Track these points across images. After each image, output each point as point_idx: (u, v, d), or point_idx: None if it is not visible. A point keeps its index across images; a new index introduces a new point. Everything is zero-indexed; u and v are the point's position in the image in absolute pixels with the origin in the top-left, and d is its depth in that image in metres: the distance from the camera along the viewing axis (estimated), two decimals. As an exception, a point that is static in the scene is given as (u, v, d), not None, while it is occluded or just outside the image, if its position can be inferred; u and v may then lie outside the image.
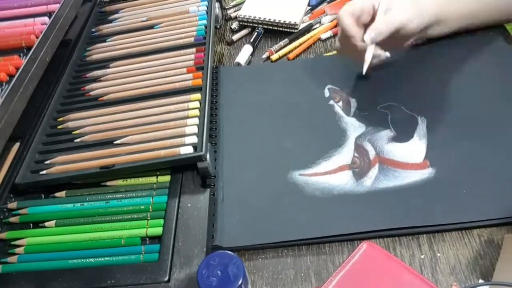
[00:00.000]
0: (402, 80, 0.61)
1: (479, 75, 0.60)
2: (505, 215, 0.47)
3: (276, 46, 0.73)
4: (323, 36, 0.73)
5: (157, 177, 0.53)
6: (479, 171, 0.50)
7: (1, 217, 0.51)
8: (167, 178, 0.53)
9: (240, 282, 0.39)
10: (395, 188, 0.51)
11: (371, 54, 0.55)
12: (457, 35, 0.65)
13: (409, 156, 0.53)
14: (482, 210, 0.47)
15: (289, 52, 0.72)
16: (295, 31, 0.75)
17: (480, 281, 0.43)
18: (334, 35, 0.74)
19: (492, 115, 0.56)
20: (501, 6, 0.62)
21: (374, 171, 0.53)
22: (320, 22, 0.77)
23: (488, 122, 0.55)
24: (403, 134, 0.56)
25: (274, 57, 0.72)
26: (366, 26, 0.55)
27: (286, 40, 0.73)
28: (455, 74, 0.61)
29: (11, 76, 0.51)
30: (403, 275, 0.44)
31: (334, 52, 0.70)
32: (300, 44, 0.73)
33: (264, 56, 0.72)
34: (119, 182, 0.53)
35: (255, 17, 0.76)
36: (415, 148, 0.54)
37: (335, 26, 0.75)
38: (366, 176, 0.52)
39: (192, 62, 0.65)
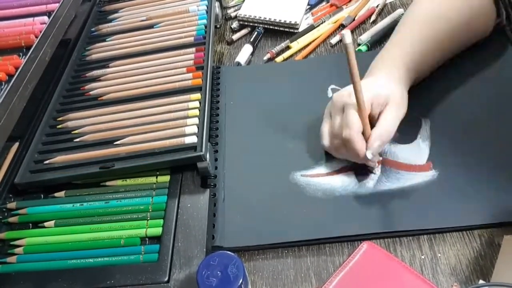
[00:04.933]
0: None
1: (483, 77, 0.60)
2: (508, 218, 0.46)
3: (277, 48, 0.72)
4: (333, 41, 0.72)
5: (156, 177, 0.53)
6: (482, 173, 0.50)
7: (0, 217, 0.51)
8: (166, 178, 0.53)
9: (240, 283, 0.39)
10: (397, 190, 0.50)
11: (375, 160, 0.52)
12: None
13: (412, 158, 0.53)
14: (485, 213, 0.47)
15: (292, 55, 0.72)
16: (296, 31, 0.75)
17: (481, 281, 0.43)
18: (340, 40, 0.72)
19: (495, 117, 0.55)
20: (469, 31, 0.60)
21: (376, 173, 0.52)
22: (324, 21, 0.76)
23: (491, 124, 0.55)
24: (406, 136, 0.55)
25: (278, 59, 0.71)
26: None
27: (287, 42, 0.73)
28: (459, 76, 0.61)
29: (10, 76, 0.51)
30: (404, 275, 0.44)
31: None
32: (306, 46, 0.73)
33: (265, 58, 0.71)
34: (119, 182, 0.53)
35: (255, 16, 0.76)
36: (418, 150, 0.54)
37: (338, 28, 0.75)
38: (368, 178, 0.52)
39: (192, 62, 0.64)
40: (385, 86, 0.51)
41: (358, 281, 0.44)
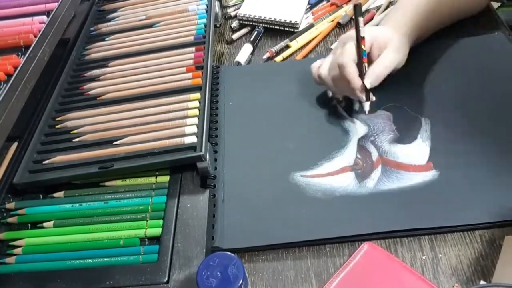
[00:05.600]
0: (405, 81, 0.61)
1: (484, 77, 0.60)
2: (508, 217, 0.46)
3: (276, 47, 0.72)
4: (334, 46, 0.70)
5: (156, 177, 0.53)
6: (482, 173, 0.50)
7: (-1, 217, 0.51)
8: (166, 178, 0.53)
9: (240, 283, 0.39)
10: (398, 190, 0.50)
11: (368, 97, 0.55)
12: (459, 36, 0.64)
13: (412, 158, 0.53)
14: (485, 212, 0.47)
15: (292, 54, 0.72)
16: (296, 30, 0.74)
17: (482, 282, 0.43)
18: None
19: (496, 117, 0.55)
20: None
21: (376, 173, 0.52)
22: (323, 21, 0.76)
23: (492, 124, 0.54)
24: (407, 136, 0.55)
25: (278, 58, 0.71)
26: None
27: (286, 41, 0.73)
28: (459, 76, 0.61)
29: (9, 76, 0.50)
30: (404, 276, 0.43)
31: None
32: (305, 45, 0.73)
33: (265, 57, 0.71)
34: (118, 182, 0.53)
35: (255, 16, 0.75)
36: (418, 150, 0.54)
37: (336, 26, 0.75)
38: (368, 178, 0.52)
39: (191, 61, 0.64)
40: (386, 32, 0.56)
41: (359, 281, 0.44)
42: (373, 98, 0.55)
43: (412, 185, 0.50)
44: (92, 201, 0.51)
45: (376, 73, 0.53)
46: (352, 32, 0.56)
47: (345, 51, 0.54)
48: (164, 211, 0.49)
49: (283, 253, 0.48)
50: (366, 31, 0.54)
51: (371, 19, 0.74)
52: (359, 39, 0.54)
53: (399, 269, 0.44)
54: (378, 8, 0.77)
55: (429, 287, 0.42)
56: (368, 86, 0.53)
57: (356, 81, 0.53)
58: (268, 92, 0.65)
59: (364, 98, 0.54)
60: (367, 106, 0.56)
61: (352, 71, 0.53)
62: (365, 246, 0.46)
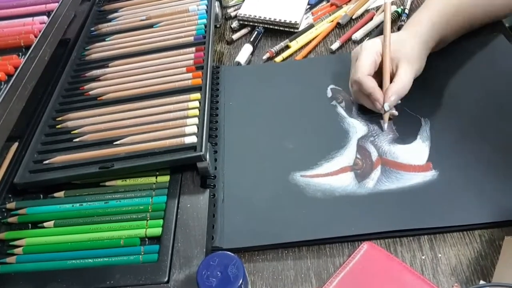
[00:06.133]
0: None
1: (483, 77, 0.60)
2: (507, 217, 0.46)
3: (276, 47, 0.72)
4: (334, 47, 0.71)
5: (156, 177, 0.53)
6: (482, 173, 0.50)
7: (0, 217, 0.51)
8: (166, 178, 0.53)
9: (240, 283, 0.39)
10: (397, 190, 0.50)
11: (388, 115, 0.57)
12: (460, 37, 0.64)
13: (412, 158, 0.53)
14: (484, 212, 0.47)
15: (292, 55, 0.72)
16: (296, 30, 0.74)
17: (481, 282, 0.43)
18: (342, 45, 0.72)
19: (495, 117, 0.55)
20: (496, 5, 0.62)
21: (376, 173, 0.52)
22: (323, 21, 0.76)
23: (491, 124, 0.55)
24: (406, 136, 0.55)
25: (278, 59, 0.71)
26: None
27: (286, 41, 0.73)
28: (459, 76, 0.61)
29: (9, 76, 0.51)
30: (404, 276, 0.43)
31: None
32: (305, 45, 0.73)
33: (265, 57, 0.71)
34: (118, 182, 0.53)
35: (255, 16, 0.76)
36: (418, 150, 0.54)
37: (335, 26, 0.75)
38: (368, 178, 0.52)
39: (191, 62, 0.64)
40: (402, 42, 0.56)
41: (359, 281, 0.44)
42: (395, 112, 0.56)
43: (412, 185, 0.50)
44: (93, 201, 0.51)
45: (397, 94, 0.54)
46: (363, 44, 0.57)
47: (358, 68, 0.55)
48: (164, 211, 0.49)
49: (283, 253, 0.49)
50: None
51: (370, 19, 0.75)
52: (386, 60, 0.55)
53: (399, 269, 0.44)
54: (377, 8, 0.77)
55: (429, 286, 0.42)
56: (387, 108, 0.54)
57: (376, 95, 0.54)
58: (268, 92, 0.65)
59: (385, 109, 0.55)
60: (386, 121, 0.56)
61: (369, 86, 0.54)
62: (365, 246, 0.46)
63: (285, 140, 0.58)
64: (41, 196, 0.53)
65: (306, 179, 0.53)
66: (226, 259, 0.40)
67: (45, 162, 0.54)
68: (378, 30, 0.72)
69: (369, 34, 0.72)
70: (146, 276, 0.44)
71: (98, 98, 0.62)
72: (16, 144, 0.57)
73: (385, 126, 0.56)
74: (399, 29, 0.71)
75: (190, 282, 0.43)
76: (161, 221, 0.48)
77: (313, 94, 0.63)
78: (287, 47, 0.73)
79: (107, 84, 0.64)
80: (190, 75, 0.62)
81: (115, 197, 0.51)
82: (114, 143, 0.55)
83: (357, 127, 0.58)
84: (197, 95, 0.59)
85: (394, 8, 0.75)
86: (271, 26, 0.76)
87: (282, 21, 0.74)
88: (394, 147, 0.55)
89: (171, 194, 0.51)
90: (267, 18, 0.75)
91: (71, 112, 0.61)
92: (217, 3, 0.76)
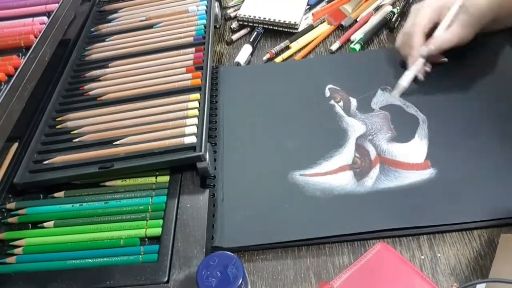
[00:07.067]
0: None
1: (482, 76, 0.60)
2: (505, 215, 0.46)
3: (276, 48, 0.72)
4: (333, 48, 0.71)
5: (156, 177, 0.53)
6: (480, 171, 0.50)
7: (0, 217, 0.51)
8: (166, 178, 0.53)
9: (239, 283, 0.39)
10: (396, 189, 0.50)
11: (413, 74, 0.59)
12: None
13: (410, 157, 0.53)
14: (483, 210, 0.47)
15: (292, 55, 0.72)
16: (295, 31, 0.75)
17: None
18: (341, 46, 0.72)
19: (493, 116, 0.55)
20: None
21: (375, 172, 0.52)
22: (323, 21, 0.76)
23: (489, 122, 0.55)
24: (404, 134, 0.55)
25: (277, 59, 0.71)
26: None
27: (286, 42, 0.73)
28: (457, 75, 0.61)
29: (9, 76, 0.51)
30: (414, 280, 0.43)
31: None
32: (305, 46, 0.73)
33: (265, 58, 0.71)
34: (118, 182, 0.53)
35: (254, 16, 0.76)
36: (416, 148, 0.54)
37: (337, 28, 0.75)
38: (367, 177, 0.52)
39: (191, 62, 0.64)
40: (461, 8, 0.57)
41: (367, 279, 0.43)
42: (445, 59, 0.60)
43: (410, 183, 0.51)
44: (93, 201, 0.51)
45: (436, 45, 0.57)
46: (426, 1, 0.59)
47: (415, 22, 0.58)
48: (164, 211, 0.49)
49: (283, 252, 0.49)
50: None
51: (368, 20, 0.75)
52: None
53: (409, 273, 0.43)
54: (377, 8, 0.77)
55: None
56: (424, 53, 0.57)
57: (415, 52, 0.57)
58: (268, 93, 0.65)
59: (421, 53, 0.57)
60: (420, 75, 0.59)
61: (417, 42, 0.57)
62: (378, 246, 0.45)
63: (284, 139, 0.58)
64: (41, 196, 0.53)
65: (305, 178, 0.53)
66: (225, 259, 0.40)
67: (45, 162, 0.55)
68: (374, 30, 0.72)
69: (367, 33, 0.72)
70: (146, 276, 0.44)
71: (98, 98, 0.62)
72: (16, 144, 0.57)
73: (398, 93, 0.59)
74: (391, 30, 0.72)
75: (190, 282, 0.43)
76: (161, 221, 0.48)
77: (311, 94, 0.63)
78: (287, 47, 0.73)
79: (107, 85, 0.64)
80: (189, 75, 0.62)
81: (115, 197, 0.52)
82: (114, 143, 0.55)
83: (356, 126, 0.58)
84: (197, 96, 0.59)
85: (390, 8, 0.75)
86: (271, 27, 0.76)
87: (282, 21, 0.74)
88: (392, 146, 0.55)
89: (171, 194, 0.51)
90: (267, 19, 0.75)
91: (71, 112, 0.61)
92: (216, 4, 0.77)
